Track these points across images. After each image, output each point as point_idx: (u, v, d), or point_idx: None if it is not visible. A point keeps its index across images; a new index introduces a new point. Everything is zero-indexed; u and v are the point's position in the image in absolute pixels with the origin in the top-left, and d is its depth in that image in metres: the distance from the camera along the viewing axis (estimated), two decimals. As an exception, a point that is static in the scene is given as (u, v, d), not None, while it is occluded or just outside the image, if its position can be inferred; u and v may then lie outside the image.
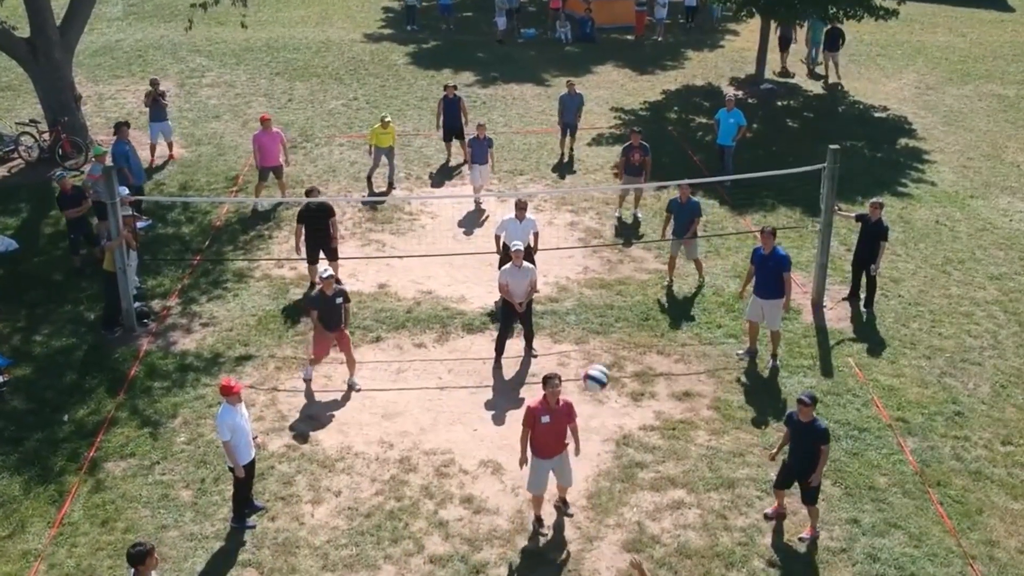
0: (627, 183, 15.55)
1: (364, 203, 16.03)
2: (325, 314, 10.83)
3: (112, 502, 9.43)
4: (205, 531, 9.08)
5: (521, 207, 12.53)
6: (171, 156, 17.80)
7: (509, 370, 11.67)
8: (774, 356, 11.68)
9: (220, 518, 9.23)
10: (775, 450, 9.32)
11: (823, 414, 10.71)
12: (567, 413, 8.84)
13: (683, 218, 13.23)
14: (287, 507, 9.40)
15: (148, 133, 17.65)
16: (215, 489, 9.59)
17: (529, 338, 11.90)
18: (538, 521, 9.19)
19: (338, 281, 13.29)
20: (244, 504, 9.17)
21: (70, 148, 17.36)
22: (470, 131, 16.81)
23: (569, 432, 8.94)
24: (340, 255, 13.44)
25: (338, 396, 11.14)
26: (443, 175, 17.56)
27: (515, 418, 10.68)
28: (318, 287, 10.95)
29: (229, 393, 8.74)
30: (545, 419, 8.72)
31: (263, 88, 22.27)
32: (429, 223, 15.54)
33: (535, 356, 11.82)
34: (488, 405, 11.03)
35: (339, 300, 10.85)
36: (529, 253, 12.58)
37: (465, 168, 17.33)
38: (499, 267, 12.66)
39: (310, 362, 11.31)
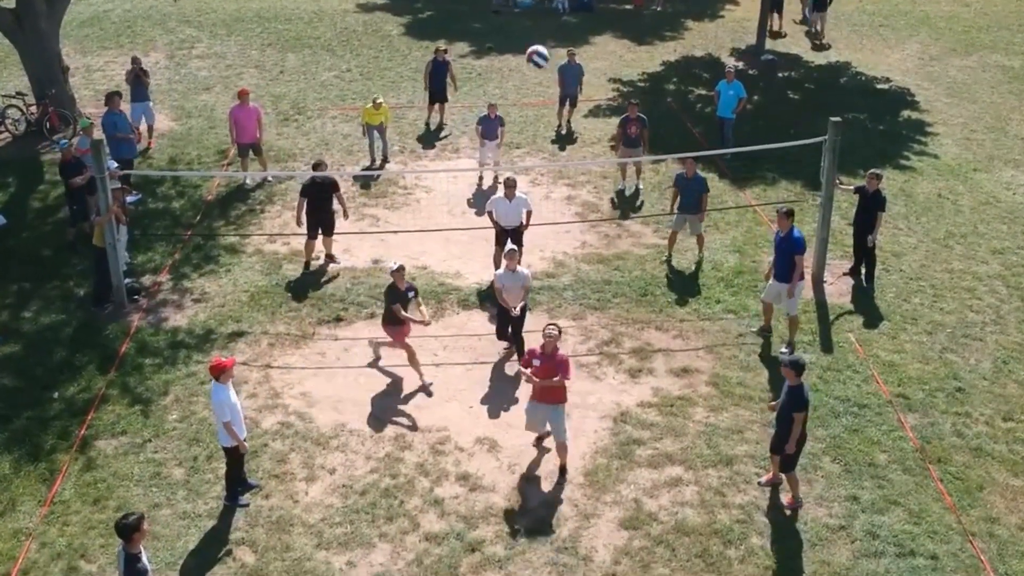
0: (625, 155, 15.34)
1: (356, 177, 15.81)
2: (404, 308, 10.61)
3: (103, 480, 9.32)
4: (198, 509, 8.98)
5: (510, 185, 12.21)
6: (149, 144, 16.77)
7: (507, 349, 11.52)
8: (789, 344, 11.36)
9: (213, 496, 9.13)
10: (773, 402, 9.35)
11: (823, 391, 10.62)
12: (559, 363, 9.12)
13: (691, 194, 13.00)
14: (281, 485, 9.30)
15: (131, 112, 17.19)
16: (208, 467, 9.48)
17: (520, 351, 11.06)
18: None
19: (330, 257, 13.25)
20: (237, 482, 9.07)
21: (57, 121, 17.07)
22: (479, 105, 16.50)
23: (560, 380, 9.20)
24: (334, 230, 13.26)
25: (332, 373, 11.00)
26: (431, 138, 17.32)
27: (511, 396, 10.59)
28: (391, 281, 10.61)
29: (222, 371, 8.60)
30: (536, 362, 9.20)
31: (254, 59, 21.91)
32: (424, 197, 15.33)
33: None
34: (484, 382, 10.90)
35: (411, 294, 10.69)
36: (519, 233, 12.35)
37: (455, 138, 17.09)
38: (495, 242, 12.47)
39: (388, 344, 10.88)
